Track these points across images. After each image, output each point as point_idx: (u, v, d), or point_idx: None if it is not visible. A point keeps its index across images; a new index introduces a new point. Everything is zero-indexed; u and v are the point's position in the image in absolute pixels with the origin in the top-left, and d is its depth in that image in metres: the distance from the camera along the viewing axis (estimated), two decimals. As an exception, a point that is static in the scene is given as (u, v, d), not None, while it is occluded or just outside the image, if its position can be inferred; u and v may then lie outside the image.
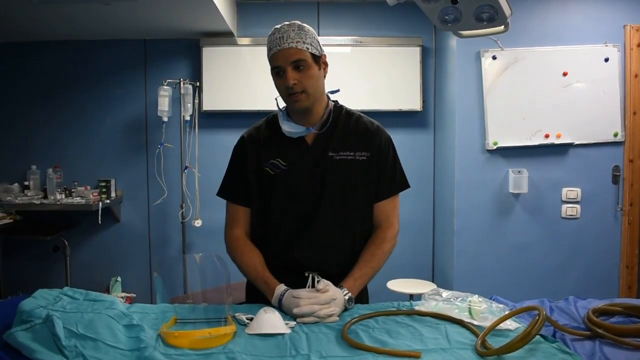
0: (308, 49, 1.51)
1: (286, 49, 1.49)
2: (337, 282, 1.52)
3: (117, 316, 1.26)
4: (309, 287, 1.50)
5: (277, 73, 1.53)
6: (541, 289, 3.16)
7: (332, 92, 1.69)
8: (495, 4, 1.42)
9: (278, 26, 1.53)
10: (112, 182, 3.77)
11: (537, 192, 3.31)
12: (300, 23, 1.53)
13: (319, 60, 1.56)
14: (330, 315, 1.37)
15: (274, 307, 1.44)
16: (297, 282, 1.54)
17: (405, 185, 1.71)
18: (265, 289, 1.52)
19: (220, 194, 1.71)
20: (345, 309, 1.46)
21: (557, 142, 3.26)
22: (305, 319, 1.36)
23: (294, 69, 1.50)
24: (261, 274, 1.56)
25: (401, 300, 1.54)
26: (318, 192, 1.59)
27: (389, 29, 3.80)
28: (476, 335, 1.24)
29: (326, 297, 1.39)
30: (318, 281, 1.55)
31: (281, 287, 1.49)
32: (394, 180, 1.67)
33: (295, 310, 1.37)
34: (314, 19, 3.80)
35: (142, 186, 3.91)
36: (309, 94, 1.53)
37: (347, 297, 1.46)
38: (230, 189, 1.69)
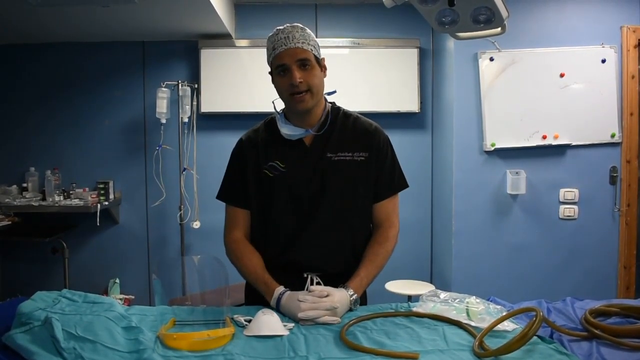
0: (312, 50, 1.53)
1: (292, 48, 1.50)
2: (338, 282, 1.52)
3: (116, 318, 1.27)
4: (307, 289, 1.50)
5: (281, 72, 1.53)
6: (539, 290, 3.16)
7: (329, 94, 1.69)
8: (492, 6, 1.42)
9: (281, 27, 1.54)
10: (111, 183, 3.77)
11: (534, 193, 3.32)
12: (302, 25, 1.55)
13: (320, 62, 1.57)
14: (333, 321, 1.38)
15: (272, 309, 1.44)
16: (296, 283, 1.54)
17: (404, 184, 1.72)
18: (265, 290, 1.52)
19: (220, 197, 1.71)
20: (350, 310, 1.46)
21: (554, 143, 3.27)
22: (307, 322, 1.36)
23: (299, 67, 1.51)
24: (261, 276, 1.56)
25: (399, 302, 1.55)
26: (317, 193, 1.59)
27: (386, 31, 3.81)
28: (474, 336, 1.25)
29: (328, 304, 1.39)
30: (317, 282, 1.56)
31: (280, 288, 1.49)
32: (393, 180, 1.68)
33: (301, 315, 1.36)
34: (312, 20, 3.81)
35: (141, 188, 3.91)
36: (313, 94, 1.54)
37: (353, 299, 1.47)
38: (229, 192, 1.69)
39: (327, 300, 1.39)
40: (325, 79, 1.61)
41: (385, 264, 1.64)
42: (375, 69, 3.74)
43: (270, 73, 1.60)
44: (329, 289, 1.45)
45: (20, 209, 3.50)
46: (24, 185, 3.74)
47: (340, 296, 1.44)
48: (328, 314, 1.37)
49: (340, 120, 1.65)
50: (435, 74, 3.83)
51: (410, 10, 1.64)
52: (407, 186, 1.72)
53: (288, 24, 1.54)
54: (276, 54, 1.52)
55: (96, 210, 3.50)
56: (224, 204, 1.71)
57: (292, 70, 1.50)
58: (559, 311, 1.44)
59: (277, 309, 1.45)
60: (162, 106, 3.61)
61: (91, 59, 3.86)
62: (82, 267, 3.88)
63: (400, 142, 3.17)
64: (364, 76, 3.73)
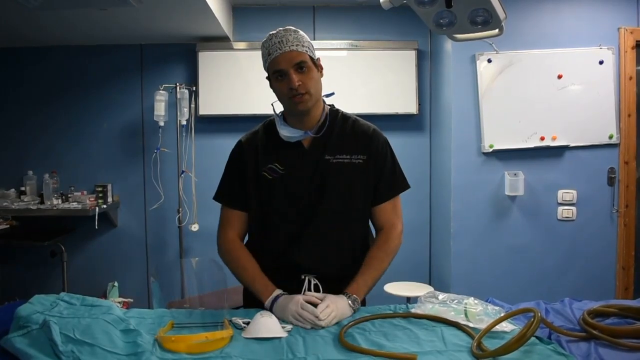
0: (307, 51, 1.53)
1: (288, 52, 1.50)
2: (336, 284, 1.52)
3: (114, 321, 1.27)
4: (305, 291, 1.50)
5: (279, 77, 1.53)
6: (537, 291, 3.17)
7: (327, 96, 1.70)
8: (489, 8, 1.43)
9: (273, 32, 1.54)
10: (109, 187, 3.76)
11: (533, 195, 3.32)
12: (294, 28, 1.55)
13: (316, 63, 1.58)
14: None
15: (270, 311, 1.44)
16: (294, 285, 1.54)
17: (405, 186, 1.72)
18: (263, 290, 1.52)
19: (217, 197, 1.72)
20: (354, 311, 1.47)
21: (552, 144, 3.28)
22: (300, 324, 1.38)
23: (296, 71, 1.51)
24: (259, 276, 1.57)
25: (398, 303, 1.55)
26: (316, 195, 1.59)
27: (384, 33, 3.81)
28: (472, 337, 1.25)
29: (313, 318, 1.38)
30: (315, 284, 1.56)
31: (278, 291, 1.50)
32: (394, 181, 1.68)
33: (294, 319, 1.38)
34: (309, 23, 3.81)
35: (139, 191, 3.90)
36: (311, 95, 1.54)
37: (350, 300, 1.47)
38: (226, 193, 1.70)
39: (313, 313, 1.38)
40: (322, 81, 1.61)
41: (385, 265, 1.63)
42: (373, 71, 3.75)
43: (268, 78, 1.60)
44: (326, 296, 1.45)
45: (18, 212, 3.49)
46: (22, 188, 3.73)
47: (340, 303, 1.44)
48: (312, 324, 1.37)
49: (338, 123, 1.66)
50: (433, 75, 3.84)
51: (408, 12, 1.65)
52: (408, 187, 1.72)
53: (280, 28, 1.54)
54: (272, 59, 1.52)
55: (94, 213, 3.49)
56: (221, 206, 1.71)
57: (290, 74, 1.50)
58: (557, 312, 1.44)
59: (271, 309, 1.46)
60: (160, 109, 3.61)
61: (89, 62, 3.86)
62: (81, 271, 3.88)
63: (399, 144, 3.14)
64: (362, 78, 3.74)
